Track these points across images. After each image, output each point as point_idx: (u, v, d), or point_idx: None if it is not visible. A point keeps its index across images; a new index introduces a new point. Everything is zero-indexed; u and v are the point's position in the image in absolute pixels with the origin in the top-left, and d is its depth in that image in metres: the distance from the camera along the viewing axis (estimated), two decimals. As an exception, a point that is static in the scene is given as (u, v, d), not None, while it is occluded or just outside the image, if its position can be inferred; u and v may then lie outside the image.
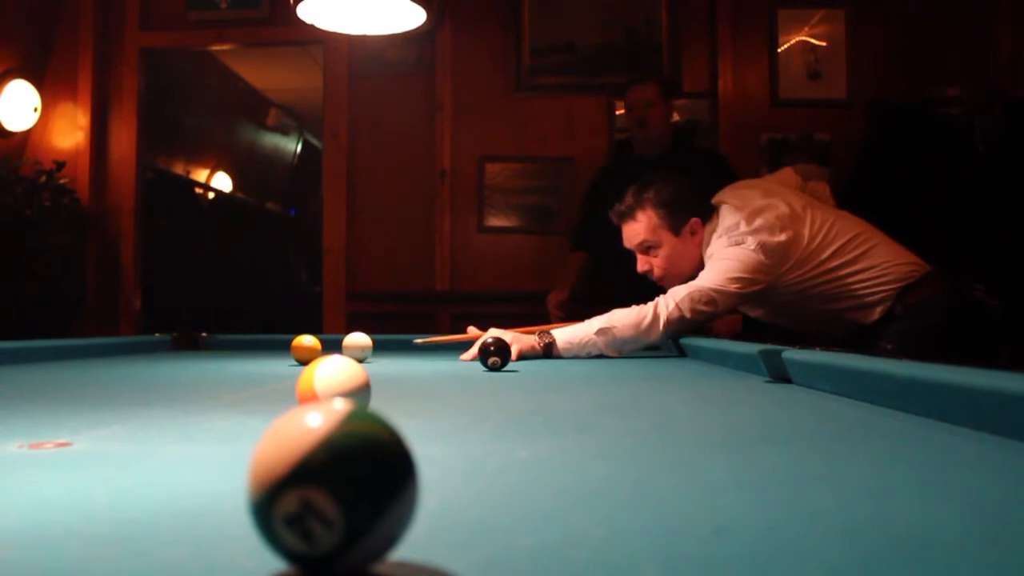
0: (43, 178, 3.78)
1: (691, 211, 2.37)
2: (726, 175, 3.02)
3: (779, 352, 1.45)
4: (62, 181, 3.85)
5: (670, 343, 2.36)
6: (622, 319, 2.18)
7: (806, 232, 2.24)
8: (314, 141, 7.17)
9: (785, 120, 3.85)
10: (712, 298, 2.18)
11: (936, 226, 3.03)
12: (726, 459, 0.75)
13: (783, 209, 2.26)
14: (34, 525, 0.51)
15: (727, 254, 2.22)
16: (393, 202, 4.02)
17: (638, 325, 2.17)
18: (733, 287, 2.19)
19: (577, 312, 2.87)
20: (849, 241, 2.24)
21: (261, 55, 5.60)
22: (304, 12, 2.42)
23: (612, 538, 0.47)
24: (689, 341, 2.28)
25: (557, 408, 1.19)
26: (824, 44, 3.84)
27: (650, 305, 2.19)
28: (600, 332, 2.17)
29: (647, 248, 2.40)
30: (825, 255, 2.23)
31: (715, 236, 2.30)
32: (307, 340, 1.98)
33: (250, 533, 0.41)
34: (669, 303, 2.17)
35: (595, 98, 3.93)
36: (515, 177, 3.71)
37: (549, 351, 2.17)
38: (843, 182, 3.70)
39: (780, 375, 1.45)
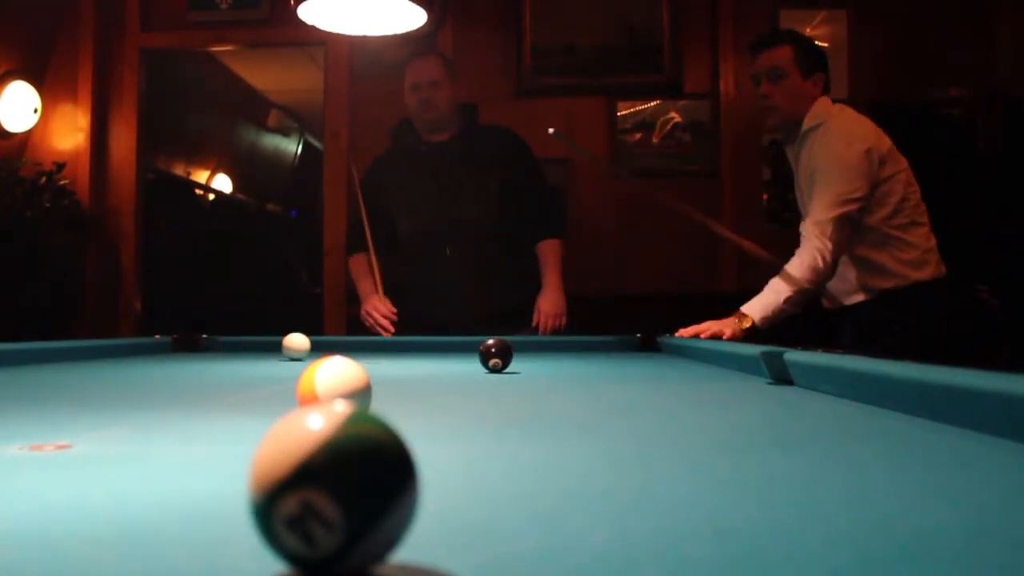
0: (43, 179, 3.77)
1: (820, 67, 2.50)
2: (521, 148, 3.05)
3: (781, 354, 1.45)
4: (62, 182, 3.84)
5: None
6: (799, 277, 2.25)
7: (903, 168, 2.39)
8: (315, 142, 7.17)
9: (786, 121, 3.84)
10: (834, 217, 2.27)
11: (937, 227, 3.03)
12: (728, 461, 0.75)
13: (883, 146, 2.41)
14: (34, 527, 0.50)
15: (834, 160, 2.33)
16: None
17: (814, 268, 2.25)
18: (845, 191, 2.29)
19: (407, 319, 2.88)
20: (915, 210, 2.39)
21: (262, 56, 5.59)
22: (305, 13, 2.42)
23: (614, 540, 0.47)
24: (691, 342, 2.27)
25: (558, 410, 1.19)
26: (826, 45, 3.83)
27: (805, 251, 2.27)
28: (788, 301, 2.25)
29: (776, 76, 2.47)
30: (904, 195, 2.36)
31: (822, 127, 2.41)
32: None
33: (251, 535, 0.41)
34: (815, 241, 2.26)
35: (596, 99, 3.93)
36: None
37: (752, 331, 2.25)
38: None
39: (782, 377, 1.44)
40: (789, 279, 2.26)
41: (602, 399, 1.35)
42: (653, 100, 3.90)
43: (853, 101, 3.75)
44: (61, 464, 0.72)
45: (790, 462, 0.75)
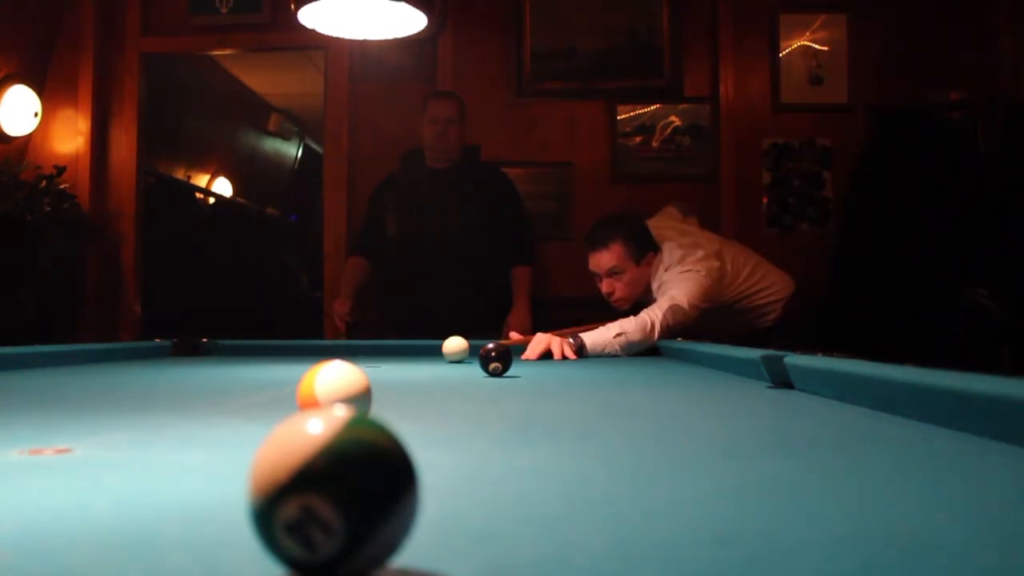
0: (43, 183, 3.77)
1: (649, 247, 2.88)
2: (505, 185, 3.52)
3: (781, 358, 1.45)
4: (63, 186, 3.84)
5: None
6: (631, 327, 2.56)
7: (728, 261, 2.84)
8: (315, 146, 7.17)
9: (787, 125, 3.84)
10: (686, 312, 2.63)
11: (939, 230, 3.03)
12: (728, 466, 0.75)
13: (712, 247, 2.86)
14: (34, 531, 0.50)
15: (688, 278, 2.70)
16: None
17: (643, 330, 2.55)
18: (699, 303, 2.68)
19: (375, 317, 3.41)
20: (754, 268, 2.91)
21: (262, 60, 5.59)
22: (305, 17, 2.42)
23: (613, 545, 0.47)
24: (691, 346, 2.28)
25: (558, 414, 1.19)
26: (826, 49, 3.84)
27: (646, 317, 2.59)
28: (617, 337, 2.53)
29: (613, 273, 2.86)
30: (740, 279, 2.86)
31: (663, 268, 2.79)
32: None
33: (251, 540, 0.41)
34: (659, 315, 2.59)
35: (596, 103, 3.93)
36: (516, 182, 3.70)
37: (581, 351, 2.50)
38: (845, 187, 3.70)
39: (782, 381, 1.44)
40: (623, 326, 2.55)
41: (602, 403, 1.35)
42: (653, 104, 3.90)
43: (854, 105, 3.78)
44: (61, 468, 0.72)
45: (790, 466, 0.74)
